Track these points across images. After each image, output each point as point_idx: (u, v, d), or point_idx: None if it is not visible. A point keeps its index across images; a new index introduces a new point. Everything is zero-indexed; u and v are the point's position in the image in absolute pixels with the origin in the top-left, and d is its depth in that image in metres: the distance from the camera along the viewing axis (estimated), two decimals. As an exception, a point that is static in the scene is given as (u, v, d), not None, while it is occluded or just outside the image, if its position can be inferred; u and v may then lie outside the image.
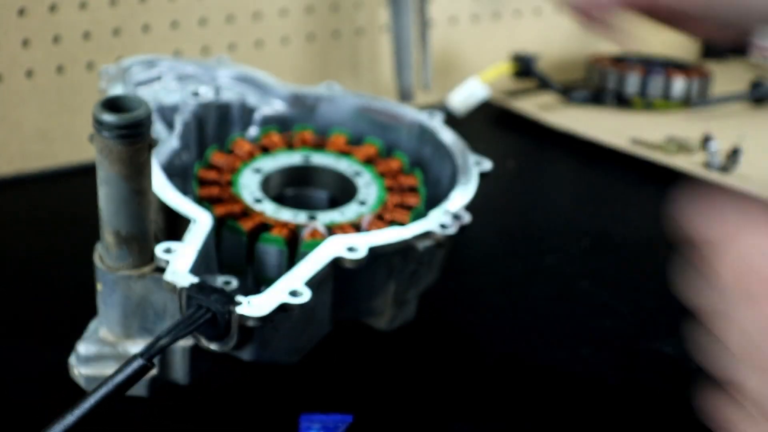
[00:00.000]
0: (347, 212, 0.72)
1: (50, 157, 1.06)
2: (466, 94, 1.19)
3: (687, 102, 1.27)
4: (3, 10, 0.98)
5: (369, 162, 0.79)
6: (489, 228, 0.97)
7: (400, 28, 1.18)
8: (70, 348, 0.65)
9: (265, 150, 0.80)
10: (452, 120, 1.04)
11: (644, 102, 1.28)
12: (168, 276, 0.59)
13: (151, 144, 0.59)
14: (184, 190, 0.76)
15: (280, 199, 0.78)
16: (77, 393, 0.63)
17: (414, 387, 0.71)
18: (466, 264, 0.90)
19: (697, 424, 0.69)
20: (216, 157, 0.77)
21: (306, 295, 0.58)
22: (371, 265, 0.64)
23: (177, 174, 0.77)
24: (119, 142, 0.56)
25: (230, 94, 0.84)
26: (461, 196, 0.71)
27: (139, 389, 0.62)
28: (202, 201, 0.71)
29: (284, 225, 0.69)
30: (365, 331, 0.74)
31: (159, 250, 0.61)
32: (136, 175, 0.58)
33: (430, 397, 0.70)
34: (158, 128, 0.77)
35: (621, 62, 1.31)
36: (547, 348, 0.77)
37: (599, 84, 1.31)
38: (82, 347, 0.64)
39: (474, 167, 0.75)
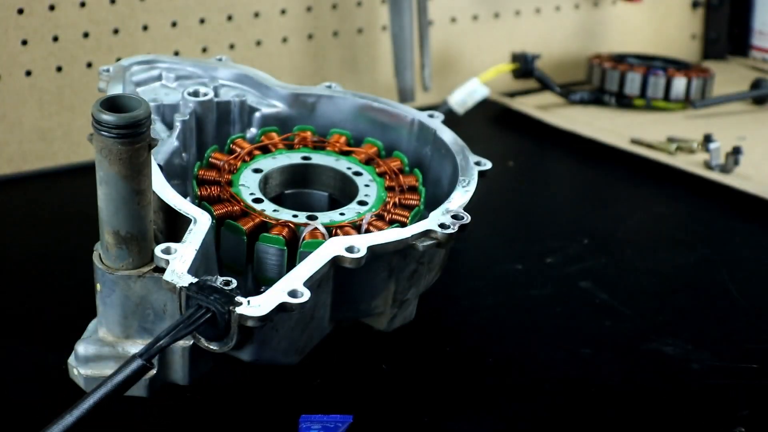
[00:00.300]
0: (347, 212, 0.72)
1: (49, 157, 1.05)
2: (466, 94, 1.19)
3: (687, 102, 1.27)
4: (2, 9, 0.98)
5: (369, 162, 0.79)
6: (489, 228, 0.97)
7: (400, 28, 1.18)
8: (69, 348, 0.65)
9: (265, 150, 0.80)
10: (452, 120, 1.04)
11: (644, 102, 1.28)
12: (167, 276, 0.59)
13: (151, 144, 0.59)
14: (184, 190, 0.76)
15: (280, 199, 0.77)
16: (76, 393, 0.63)
17: (414, 387, 0.71)
18: (466, 264, 0.90)
19: (697, 424, 0.69)
20: (216, 157, 0.77)
21: (306, 296, 0.58)
22: (371, 265, 0.64)
23: (177, 174, 0.77)
24: (118, 142, 0.56)
25: (230, 94, 0.84)
26: (461, 196, 0.71)
27: (138, 389, 0.62)
28: (202, 201, 0.71)
29: (284, 225, 0.69)
30: (365, 331, 0.73)
31: (158, 250, 0.61)
32: (136, 174, 0.58)
33: (430, 397, 0.70)
34: (158, 128, 0.77)
35: (621, 62, 1.31)
36: (547, 348, 0.77)
37: (599, 84, 1.31)
38: (82, 347, 0.64)
39: (474, 167, 0.74)
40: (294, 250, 0.68)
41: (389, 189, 0.76)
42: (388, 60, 1.23)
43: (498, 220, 0.99)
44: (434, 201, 0.73)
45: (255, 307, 0.57)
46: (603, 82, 1.30)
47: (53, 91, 1.04)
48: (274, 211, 0.71)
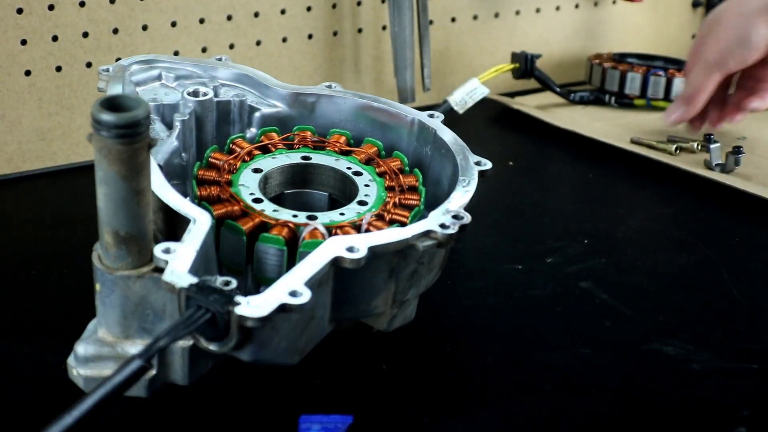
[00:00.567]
0: (347, 212, 0.72)
1: (49, 157, 1.05)
2: (466, 94, 1.19)
3: (687, 102, 1.27)
4: (1, 8, 0.98)
5: (369, 162, 0.79)
6: (489, 228, 0.97)
7: (400, 28, 1.18)
8: (68, 348, 0.65)
9: (265, 150, 0.79)
10: (452, 120, 1.03)
11: (645, 102, 1.28)
12: (167, 276, 0.59)
13: (150, 144, 0.58)
14: (184, 190, 0.76)
15: (279, 199, 0.77)
16: (76, 394, 0.63)
17: (414, 387, 0.71)
18: (466, 264, 0.89)
19: (697, 424, 0.69)
20: (215, 157, 0.77)
21: (306, 296, 0.58)
22: (371, 265, 0.64)
23: (176, 174, 0.77)
24: (118, 142, 0.56)
25: (230, 93, 0.84)
26: (461, 196, 0.71)
27: (138, 390, 0.62)
28: (202, 201, 0.71)
29: (284, 225, 0.69)
30: (365, 331, 0.73)
31: (158, 250, 0.60)
32: (135, 174, 0.58)
33: (430, 397, 0.70)
34: (157, 128, 0.77)
35: (621, 62, 1.31)
36: (547, 348, 0.77)
37: (599, 84, 1.31)
38: (81, 348, 0.64)
39: (474, 167, 0.74)
40: (294, 250, 0.67)
41: (389, 189, 0.76)
42: (388, 60, 1.23)
43: (498, 220, 0.99)
44: (434, 201, 0.73)
45: (255, 307, 0.57)
46: (603, 82, 1.30)
47: (52, 91, 1.03)
48: (274, 211, 0.70)
